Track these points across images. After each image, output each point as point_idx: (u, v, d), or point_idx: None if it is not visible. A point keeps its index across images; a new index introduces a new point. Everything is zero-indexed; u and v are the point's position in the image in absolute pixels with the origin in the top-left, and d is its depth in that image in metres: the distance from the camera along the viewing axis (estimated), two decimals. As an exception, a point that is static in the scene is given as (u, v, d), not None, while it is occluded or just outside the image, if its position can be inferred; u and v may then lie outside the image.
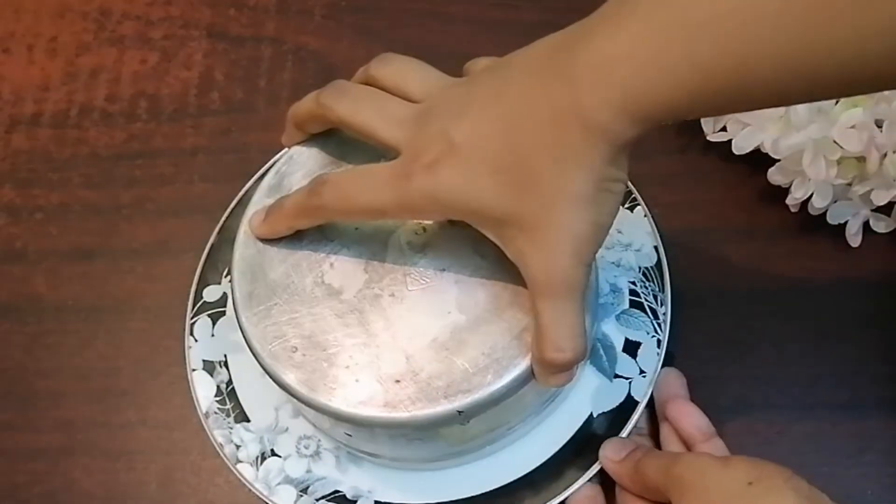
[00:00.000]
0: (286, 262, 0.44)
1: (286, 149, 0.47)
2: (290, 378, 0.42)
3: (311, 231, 0.44)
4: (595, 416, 0.48)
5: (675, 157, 0.57)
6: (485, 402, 0.41)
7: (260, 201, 0.46)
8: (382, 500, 0.48)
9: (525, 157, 0.38)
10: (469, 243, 0.43)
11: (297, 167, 0.47)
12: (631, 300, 0.51)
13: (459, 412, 0.41)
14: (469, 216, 0.40)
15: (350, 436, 0.45)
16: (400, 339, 0.42)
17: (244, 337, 0.43)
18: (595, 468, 0.47)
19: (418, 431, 0.43)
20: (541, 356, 0.40)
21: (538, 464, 0.48)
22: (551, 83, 0.38)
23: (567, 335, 0.40)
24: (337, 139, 0.47)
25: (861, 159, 0.50)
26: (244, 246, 0.45)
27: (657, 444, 0.48)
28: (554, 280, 0.39)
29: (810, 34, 0.33)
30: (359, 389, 0.41)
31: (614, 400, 0.49)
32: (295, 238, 0.44)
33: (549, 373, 0.41)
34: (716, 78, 0.35)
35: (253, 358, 0.43)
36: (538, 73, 0.39)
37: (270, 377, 0.43)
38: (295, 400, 0.42)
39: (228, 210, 0.54)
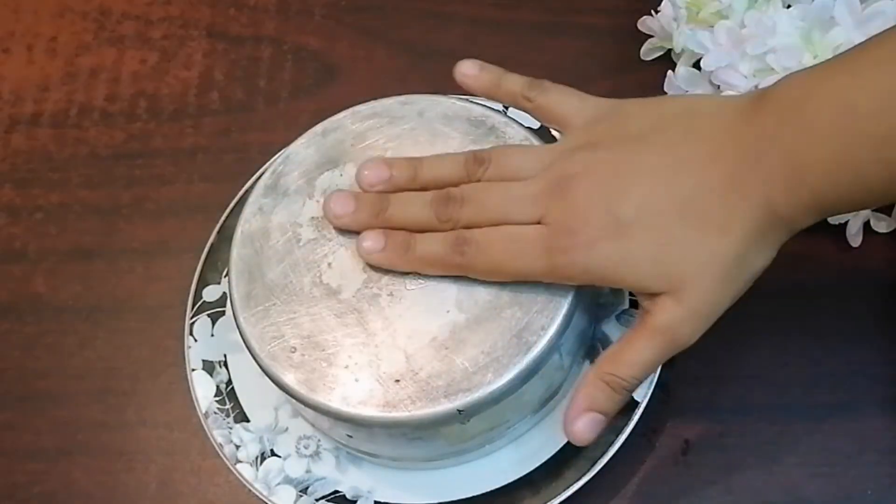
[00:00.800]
0: (284, 262, 0.44)
1: (284, 149, 0.47)
2: (289, 378, 0.42)
3: (308, 231, 0.44)
4: (595, 416, 0.48)
5: (675, 157, 0.57)
6: (485, 400, 0.41)
7: (256, 202, 0.46)
8: (382, 501, 0.48)
9: (701, 234, 0.39)
10: None
11: (293, 167, 0.47)
12: (631, 300, 0.51)
13: (459, 411, 0.41)
14: (624, 286, 0.43)
15: (350, 437, 0.45)
16: (399, 338, 0.42)
17: (242, 337, 0.43)
18: (595, 468, 0.47)
19: (418, 431, 0.43)
20: (601, 375, 0.41)
21: (538, 464, 0.48)
22: (743, 175, 0.39)
23: (639, 377, 0.41)
24: (333, 139, 0.47)
25: (861, 159, 0.50)
26: (241, 245, 0.45)
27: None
28: (677, 332, 0.40)
29: None
30: (358, 389, 0.41)
31: (614, 400, 0.49)
32: (293, 238, 0.44)
33: (591, 398, 0.41)
34: None
35: (252, 358, 0.43)
36: (720, 158, 0.40)
37: (269, 378, 0.43)
38: (294, 400, 0.42)
39: (228, 210, 0.54)
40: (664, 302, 0.40)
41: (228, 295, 0.44)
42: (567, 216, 0.40)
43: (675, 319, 0.40)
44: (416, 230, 0.43)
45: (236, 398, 0.51)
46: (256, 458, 0.49)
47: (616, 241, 0.40)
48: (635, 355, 0.41)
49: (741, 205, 0.39)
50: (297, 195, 0.46)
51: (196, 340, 0.52)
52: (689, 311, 0.40)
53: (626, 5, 0.60)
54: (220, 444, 0.50)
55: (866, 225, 0.53)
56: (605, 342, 0.50)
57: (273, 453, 0.49)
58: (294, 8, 0.65)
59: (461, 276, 0.43)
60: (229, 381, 0.51)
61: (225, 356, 0.51)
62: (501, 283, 0.42)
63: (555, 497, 0.47)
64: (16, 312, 0.57)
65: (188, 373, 0.51)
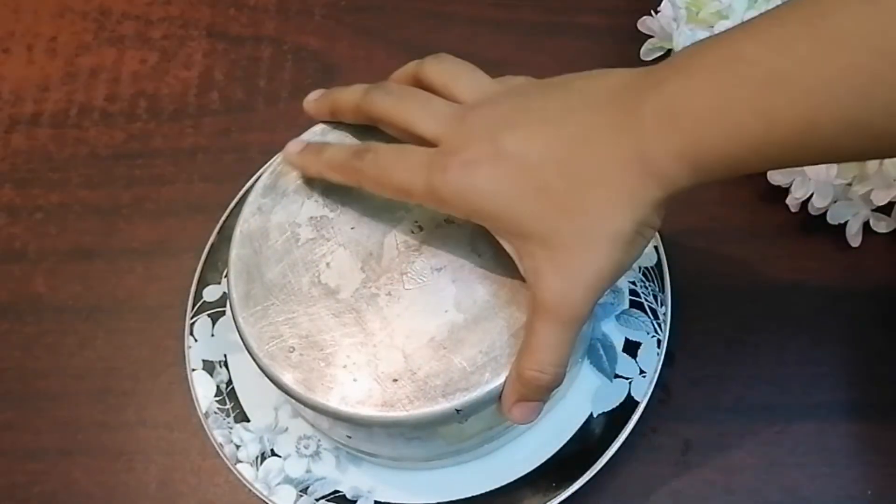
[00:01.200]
0: (282, 261, 0.44)
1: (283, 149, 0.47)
2: (287, 378, 0.42)
3: (307, 231, 0.45)
4: (595, 416, 0.48)
5: (675, 157, 0.57)
6: (483, 400, 0.41)
7: (255, 202, 0.46)
8: (382, 500, 0.48)
9: (575, 188, 0.39)
10: (466, 241, 0.43)
11: (292, 167, 0.47)
12: (631, 300, 0.51)
13: (458, 410, 0.41)
14: (493, 223, 0.41)
15: (350, 437, 0.45)
16: (397, 338, 0.42)
17: (241, 337, 0.43)
18: (595, 468, 0.47)
19: (416, 430, 0.43)
20: (520, 371, 0.40)
21: (538, 464, 0.48)
22: (616, 122, 0.38)
23: (553, 361, 0.40)
24: (332, 139, 0.47)
25: (861, 159, 0.50)
26: (240, 245, 0.45)
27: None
28: (562, 306, 0.39)
29: (875, 97, 0.34)
30: (356, 389, 0.41)
31: (614, 400, 0.49)
32: (292, 238, 0.44)
33: (518, 394, 0.41)
34: (778, 131, 0.36)
35: (250, 358, 0.43)
36: (604, 108, 0.39)
37: (268, 377, 0.43)
38: (293, 400, 0.42)
39: (228, 210, 0.54)
40: (544, 276, 0.39)
41: (227, 295, 0.45)
42: (456, 138, 0.41)
43: (558, 293, 0.39)
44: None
45: (236, 398, 0.51)
46: (256, 458, 0.49)
47: (493, 168, 0.39)
48: (541, 341, 0.40)
49: (614, 153, 0.38)
50: (295, 195, 0.46)
51: (196, 340, 0.52)
52: (567, 280, 0.39)
53: (626, 5, 0.61)
54: (221, 444, 0.50)
55: (866, 225, 0.53)
56: (605, 342, 0.50)
57: (273, 453, 0.49)
58: (294, 8, 0.65)
59: (459, 276, 0.43)
60: (229, 381, 0.51)
61: (225, 356, 0.51)
62: (500, 283, 0.43)
63: (555, 497, 0.47)
64: (16, 312, 0.57)
65: (188, 373, 0.51)
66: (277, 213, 0.45)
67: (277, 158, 0.47)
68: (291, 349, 0.42)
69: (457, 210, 0.41)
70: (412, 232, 0.44)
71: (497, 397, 0.41)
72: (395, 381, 0.41)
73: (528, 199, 0.39)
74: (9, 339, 0.56)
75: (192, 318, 0.52)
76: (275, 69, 0.63)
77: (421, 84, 0.45)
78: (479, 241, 0.43)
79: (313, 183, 0.46)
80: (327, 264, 0.44)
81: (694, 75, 0.37)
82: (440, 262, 0.43)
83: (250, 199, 0.46)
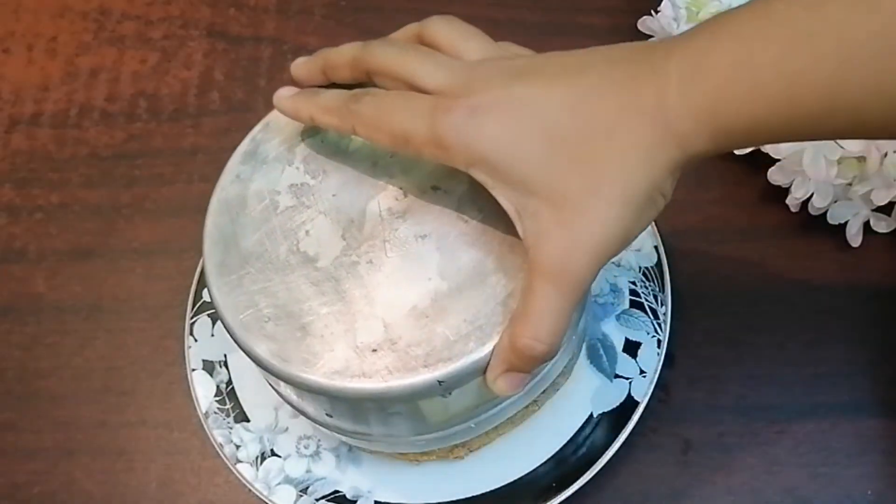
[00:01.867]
0: (260, 230, 0.42)
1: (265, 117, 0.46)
2: (261, 349, 0.40)
3: (287, 199, 0.43)
4: (595, 416, 0.48)
5: (675, 157, 0.57)
6: (467, 371, 0.39)
7: (234, 169, 0.44)
8: (382, 501, 0.48)
9: (590, 138, 0.36)
10: (452, 208, 0.41)
11: (274, 134, 0.45)
12: (631, 300, 0.51)
13: (440, 382, 0.38)
14: (497, 174, 0.38)
15: (330, 416, 0.44)
16: (378, 306, 0.40)
17: (216, 308, 0.41)
18: (595, 468, 0.47)
19: (397, 404, 0.40)
20: (514, 339, 0.38)
21: (538, 464, 0.48)
22: (638, 74, 0.37)
23: (551, 330, 0.37)
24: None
25: (861, 159, 0.50)
26: (217, 214, 0.43)
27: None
28: (566, 270, 0.37)
29: None
30: (334, 359, 0.39)
31: (614, 400, 0.49)
32: (270, 206, 0.43)
33: (508, 363, 0.38)
34: (802, 94, 0.35)
35: (225, 330, 0.42)
36: (626, 63, 0.37)
37: (242, 349, 0.41)
38: (267, 373, 0.41)
39: (228, 210, 0.54)
40: (547, 237, 0.37)
41: (203, 264, 0.43)
42: (465, 85, 0.38)
43: (562, 255, 0.37)
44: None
45: (236, 398, 0.51)
46: (256, 458, 0.49)
47: (503, 113, 0.37)
48: (538, 307, 0.37)
49: (634, 104, 0.36)
50: (276, 162, 0.44)
51: (196, 340, 0.52)
52: (572, 242, 0.36)
53: (626, 5, 0.61)
54: (220, 444, 0.50)
55: (866, 225, 0.53)
56: (605, 342, 0.50)
57: (273, 453, 0.49)
58: (294, 8, 0.65)
59: (444, 244, 0.41)
60: (229, 381, 0.51)
61: (225, 356, 0.51)
62: (487, 250, 0.40)
63: (555, 497, 0.47)
64: (16, 312, 0.57)
65: (188, 373, 0.51)
66: (256, 180, 0.44)
67: (258, 126, 0.46)
68: (267, 319, 0.40)
69: (459, 158, 0.38)
70: (396, 199, 0.42)
71: (482, 369, 0.39)
72: (375, 351, 0.39)
73: (538, 147, 0.36)
74: (9, 339, 0.56)
75: (192, 318, 0.52)
76: (275, 69, 0.63)
77: (424, 43, 0.42)
78: (467, 207, 0.41)
79: (295, 150, 0.44)
80: (306, 232, 0.42)
81: (721, 33, 0.36)
82: (424, 229, 0.41)
83: (228, 166, 0.44)
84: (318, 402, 0.42)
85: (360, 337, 0.39)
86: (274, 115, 0.45)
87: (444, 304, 0.39)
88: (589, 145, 0.36)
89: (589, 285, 0.38)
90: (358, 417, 0.43)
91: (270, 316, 0.40)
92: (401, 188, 0.42)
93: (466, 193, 0.40)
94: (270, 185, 0.43)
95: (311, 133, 0.44)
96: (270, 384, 0.46)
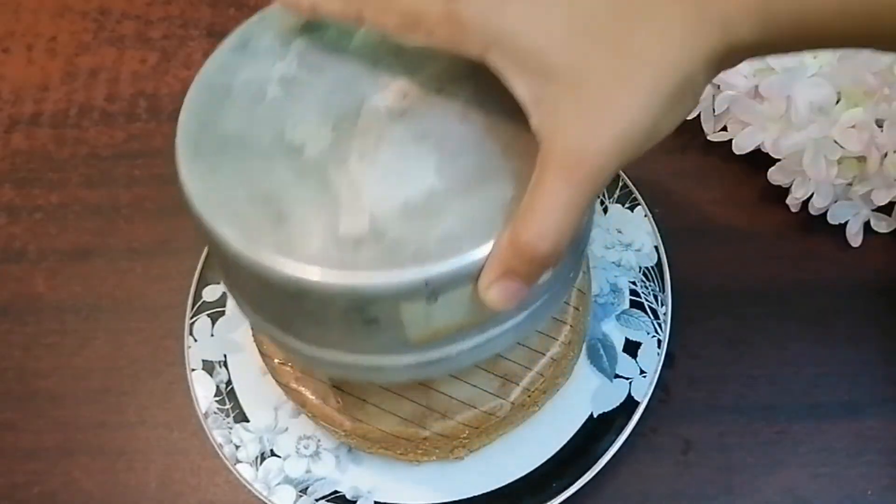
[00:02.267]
0: (242, 115, 0.38)
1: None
2: (227, 232, 0.35)
3: (276, 90, 0.39)
4: (595, 416, 0.48)
5: (676, 157, 0.57)
6: (458, 274, 0.34)
7: (219, 58, 0.40)
8: (382, 501, 0.48)
9: (621, 17, 0.33)
10: (457, 111, 0.37)
11: (268, 27, 0.41)
12: (631, 300, 0.51)
13: (427, 283, 0.34)
14: (516, 54, 0.34)
15: (293, 323, 0.39)
16: (365, 199, 0.36)
17: (183, 191, 0.37)
18: (595, 468, 0.47)
19: (376, 306, 0.36)
20: (515, 235, 0.34)
21: (538, 464, 0.48)
22: None
23: (558, 227, 0.33)
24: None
25: (861, 159, 0.50)
26: (196, 92, 0.39)
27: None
28: (582, 160, 0.33)
29: None
30: (308, 248, 0.35)
31: (614, 400, 0.49)
32: (258, 94, 0.39)
33: (505, 265, 0.34)
34: None
35: (192, 217, 0.37)
36: None
37: (207, 234, 0.36)
38: (231, 260, 0.36)
39: (228, 210, 0.54)
40: (564, 121, 0.33)
41: (175, 146, 0.38)
42: None
43: (580, 139, 0.33)
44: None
45: (236, 398, 0.51)
46: (256, 458, 0.49)
47: None
48: (547, 200, 0.33)
49: None
50: (267, 55, 0.40)
51: (196, 340, 0.52)
52: (593, 124, 0.33)
53: None
54: (220, 444, 0.50)
55: (866, 225, 0.53)
56: (605, 342, 0.50)
57: (273, 453, 0.49)
58: (294, 8, 0.65)
59: (445, 146, 0.37)
60: (229, 381, 0.51)
61: (225, 356, 0.51)
62: (490, 152, 0.36)
63: (555, 497, 0.47)
64: (16, 312, 0.57)
65: (188, 373, 0.51)
66: (244, 71, 0.39)
67: (251, 19, 0.42)
68: (240, 202, 0.36)
69: (475, 38, 0.34)
70: (396, 99, 0.38)
71: (475, 275, 0.35)
72: (358, 242, 0.35)
73: (564, 26, 0.33)
74: (9, 339, 0.56)
75: (191, 318, 0.52)
76: (275, 69, 0.63)
77: None
78: (472, 110, 0.37)
79: (290, 45, 0.40)
80: (294, 122, 0.38)
81: None
82: (425, 130, 0.37)
83: (213, 56, 0.40)
84: (283, 307, 0.38)
85: (344, 228, 0.35)
86: (269, 10, 0.41)
87: (440, 203, 0.35)
88: (619, 24, 0.33)
89: (606, 180, 0.34)
90: (328, 325, 0.38)
91: (245, 201, 0.36)
92: (402, 88, 0.38)
93: (472, 97, 0.37)
94: (259, 76, 0.39)
95: (310, 29, 0.40)
96: (232, 294, 0.42)
